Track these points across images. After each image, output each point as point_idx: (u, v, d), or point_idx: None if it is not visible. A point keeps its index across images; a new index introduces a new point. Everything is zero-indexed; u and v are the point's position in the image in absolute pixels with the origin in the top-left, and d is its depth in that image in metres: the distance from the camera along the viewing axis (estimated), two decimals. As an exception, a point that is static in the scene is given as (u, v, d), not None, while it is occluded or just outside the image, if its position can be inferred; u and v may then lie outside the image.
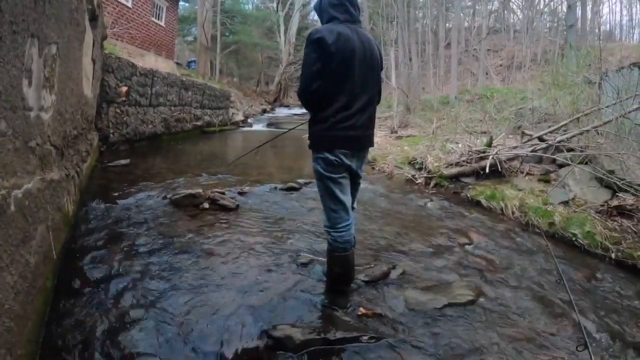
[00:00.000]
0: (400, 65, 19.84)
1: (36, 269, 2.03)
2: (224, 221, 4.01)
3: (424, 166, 7.18)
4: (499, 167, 6.19)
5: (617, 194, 4.79)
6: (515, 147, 6.81)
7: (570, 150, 6.06)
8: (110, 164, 6.05)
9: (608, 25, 36.67)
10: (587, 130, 6.11)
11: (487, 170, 6.07)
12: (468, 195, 5.90)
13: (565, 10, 20.40)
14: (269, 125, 18.54)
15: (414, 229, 4.33)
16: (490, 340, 2.39)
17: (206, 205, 4.32)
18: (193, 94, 11.63)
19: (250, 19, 32.68)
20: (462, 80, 23.32)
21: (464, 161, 6.68)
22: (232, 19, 30.41)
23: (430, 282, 3.08)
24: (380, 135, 11.99)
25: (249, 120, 19.03)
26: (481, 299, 2.87)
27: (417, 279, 3.11)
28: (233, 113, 17.15)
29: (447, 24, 29.67)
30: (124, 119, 7.63)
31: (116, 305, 2.41)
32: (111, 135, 7.23)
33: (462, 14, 28.70)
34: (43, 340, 2.04)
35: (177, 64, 20.58)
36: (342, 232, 2.52)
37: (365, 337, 2.28)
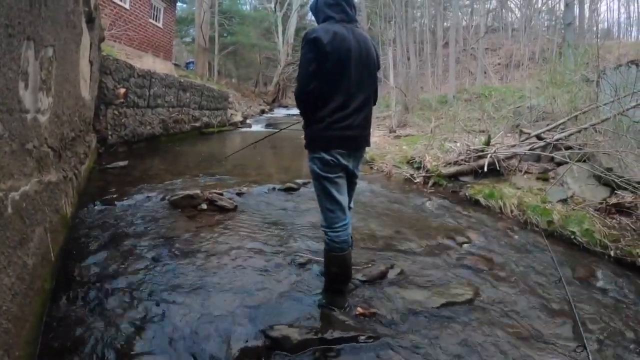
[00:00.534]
0: (398, 64, 19.86)
1: (34, 270, 2.03)
2: (222, 222, 4.01)
3: (422, 165, 7.16)
4: (497, 166, 6.17)
5: (615, 191, 4.76)
6: (513, 146, 6.81)
7: (568, 148, 6.05)
8: (108, 166, 6.06)
9: (606, 23, 36.73)
10: (585, 128, 6.10)
11: (486, 169, 6.05)
12: (466, 194, 5.89)
13: (562, 9, 20.38)
14: (268, 125, 18.53)
15: (412, 228, 4.32)
16: (488, 339, 2.38)
17: (204, 206, 4.32)
18: (191, 95, 11.63)
19: (248, 19, 32.72)
20: (460, 79, 23.32)
21: (462, 160, 6.66)
22: (230, 20, 30.46)
23: (428, 282, 3.07)
24: (378, 135, 12.00)
25: (248, 121, 19.02)
26: (479, 298, 2.87)
27: (415, 278, 3.11)
28: (232, 114, 17.15)
29: (445, 23, 29.68)
30: (122, 120, 7.62)
31: (114, 306, 2.41)
32: (109, 137, 7.23)
33: (460, 13, 28.71)
34: (41, 342, 2.04)
35: (176, 65, 20.59)
36: (339, 232, 2.52)
37: (362, 337, 2.28)
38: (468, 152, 6.72)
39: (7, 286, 1.62)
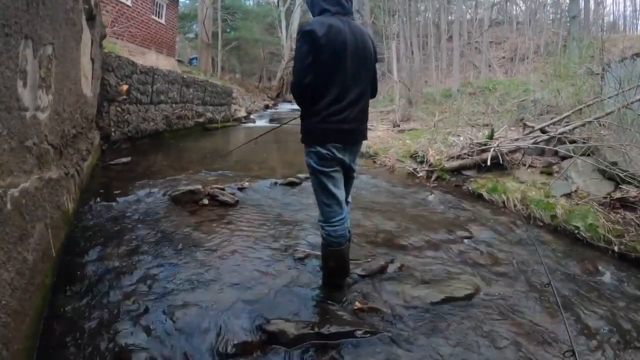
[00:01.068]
0: (402, 58, 19.77)
1: (34, 266, 2.06)
2: (223, 217, 4.03)
3: (425, 159, 7.15)
4: (501, 160, 6.15)
5: (620, 185, 4.75)
6: (517, 140, 6.78)
7: (572, 142, 5.99)
8: (111, 163, 6.08)
9: (612, 16, 36.31)
10: (590, 122, 6.06)
11: (489, 163, 6.03)
12: (469, 188, 5.88)
13: (568, 2, 20.21)
14: (272, 120, 18.51)
15: (414, 222, 4.31)
16: (486, 335, 2.38)
17: (206, 201, 4.34)
18: (194, 91, 11.64)
19: (251, 14, 32.65)
20: (464, 73, 23.20)
21: (465, 154, 6.64)
22: (233, 15, 30.38)
23: (428, 277, 3.05)
24: (382, 129, 11.97)
25: (252, 116, 18.99)
26: (479, 294, 2.85)
27: (415, 273, 3.10)
28: (235, 109, 17.14)
29: (449, 17, 29.49)
30: (125, 117, 7.64)
31: (114, 301, 2.44)
32: (113, 134, 7.25)
33: (464, 7, 28.48)
34: (41, 336, 2.07)
35: (179, 61, 20.60)
36: (335, 226, 2.51)
37: (359, 332, 2.28)
38: (471, 145, 6.69)
39: (6, 281, 1.65)
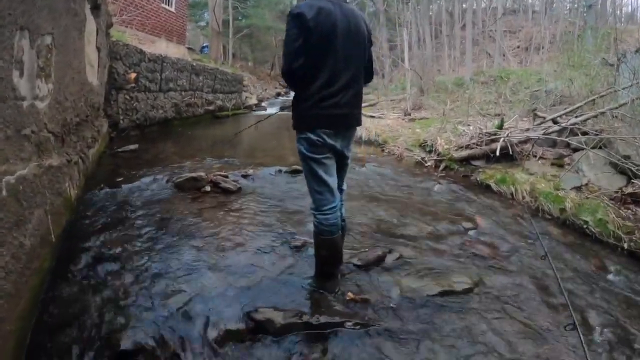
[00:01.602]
0: (414, 46, 19.55)
1: (32, 251, 2.10)
2: (225, 204, 4.05)
3: (434, 149, 7.10)
4: (510, 150, 6.08)
5: (632, 180, 4.63)
6: (527, 130, 6.69)
7: (584, 133, 5.91)
8: (119, 150, 6.14)
9: (630, 7, 35.41)
10: (602, 113, 5.95)
11: (498, 153, 5.97)
12: (478, 179, 5.83)
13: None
14: (282, 108, 18.43)
15: (418, 212, 4.27)
16: (482, 330, 2.34)
17: (208, 188, 4.37)
18: (204, 79, 11.66)
19: (263, 2, 32.38)
20: (477, 61, 22.84)
21: (474, 144, 6.56)
22: (244, 3, 30.21)
23: (427, 268, 3.00)
24: (392, 117, 11.87)
25: (263, 104, 19.00)
26: (479, 288, 2.80)
27: (413, 264, 3.05)
28: (246, 97, 17.14)
29: (462, 5, 29.01)
30: (134, 105, 7.69)
31: (110, 286, 2.47)
32: (121, 122, 7.31)
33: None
34: (37, 318, 2.12)
35: (190, 49, 20.59)
36: (327, 214, 2.47)
37: (350, 323, 2.26)
38: (480, 135, 6.62)
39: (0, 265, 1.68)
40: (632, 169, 4.57)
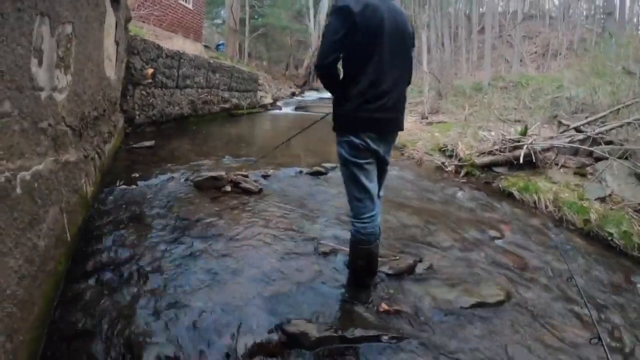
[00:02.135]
0: (432, 49, 19.34)
1: (46, 252, 1.97)
2: (245, 205, 3.91)
3: (454, 154, 6.94)
4: (533, 158, 5.94)
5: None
6: (551, 138, 6.52)
7: (608, 143, 5.77)
8: (135, 146, 6.02)
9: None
10: (629, 123, 5.78)
11: (521, 161, 5.82)
12: (500, 186, 5.70)
13: (602, -2, 19.46)
14: (297, 108, 18.41)
15: (443, 219, 4.16)
16: (519, 346, 2.24)
17: (228, 188, 4.22)
18: (221, 77, 11.57)
19: (279, 1, 32.42)
20: (495, 66, 22.61)
21: (497, 150, 6.40)
22: (261, 2, 30.25)
23: (457, 278, 2.91)
24: (410, 121, 11.73)
25: (278, 103, 18.90)
26: (511, 300, 2.72)
27: (444, 274, 2.96)
28: (261, 96, 17.04)
29: (480, 8, 28.76)
30: (150, 100, 7.60)
31: (129, 290, 2.33)
32: (137, 117, 7.21)
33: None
34: (52, 325, 1.98)
35: (206, 46, 20.59)
36: (366, 223, 2.35)
37: (385, 337, 2.14)
38: (503, 141, 6.47)
39: (12, 269, 1.55)
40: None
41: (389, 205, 4.28)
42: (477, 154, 6.60)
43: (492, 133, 7.27)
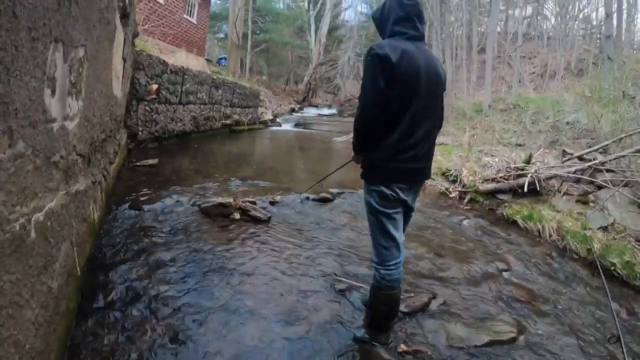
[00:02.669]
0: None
1: (59, 292, 1.87)
2: (256, 235, 3.85)
3: (458, 179, 6.92)
4: (537, 186, 5.90)
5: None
6: (554, 167, 6.50)
7: (609, 171, 5.79)
8: (138, 164, 5.94)
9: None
10: (634, 154, 5.79)
11: (526, 189, 5.80)
12: (504, 214, 5.68)
13: (600, 19, 19.67)
14: (297, 125, 18.46)
15: (451, 250, 4.14)
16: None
17: (237, 215, 4.15)
18: (223, 93, 11.57)
19: (281, 17, 32.71)
20: (494, 86, 22.73)
21: (501, 177, 6.39)
22: (264, 17, 30.48)
23: (470, 315, 2.91)
24: (411, 143, 11.68)
25: (278, 120, 18.94)
26: (523, 336, 2.72)
27: (457, 310, 2.97)
28: (262, 112, 17.06)
29: (479, 29, 29.00)
30: (154, 116, 7.56)
31: (142, 330, 2.25)
32: (140, 133, 7.16)
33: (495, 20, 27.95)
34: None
35: (208, 60, 20.65)
36: (391, 270, 2.30)
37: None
38: (508, 169, 6.44)
39: (30, 321, 1.45)
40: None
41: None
42: (481, 180, 6.56)
43: (496, 159, 7.25)
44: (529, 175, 5.94)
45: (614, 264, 4.04)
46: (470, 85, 22.40)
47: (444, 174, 7.44)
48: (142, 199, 4.36)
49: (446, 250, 4.13)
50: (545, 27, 34.21)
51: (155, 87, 7.26)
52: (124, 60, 4.97)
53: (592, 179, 5.79)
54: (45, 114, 1.72)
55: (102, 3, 3.04)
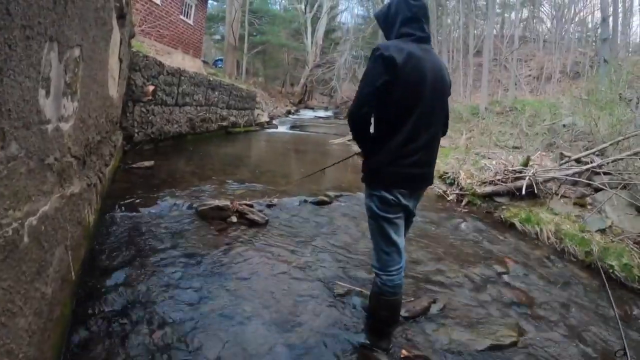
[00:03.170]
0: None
1: (53, 298, 1.82)
2: (253, 238, 3.82)
3: (456, 182, 6.94)
4: (535, 189, 5.92)
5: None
6: (551, 170, 6.50)
7: (607, 174, 5.82)
8: (133, 165, 5.88)
9: (638, 38, 35.28)
10: (631, 157, 5.81)
11: (524, 192, 5.81)
12: (502, 217, 5.68)
13: (595, 22, 19.79)
14: (293, 127, 18.43)
15: (450, 254, 4.12)
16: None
17: (234, 219, 4.11)
18: (219, 94, 11.53)
19: (278, 19, 32.70)
20: (491, 89, 22.80)
21: (498, 180, 6.40)
22: (260, 19, 30.44)
23: (471, 319, 2.90)
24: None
25: (274, 122, 18.90)
26: (523, 340, 2.72)
27: (457, 314, 2.95)
28: (258, 114, 17.02)
29: (475, 31, 29.08)
30: (150, 118, 7.50)
31: (137, 336, 2.20)
32: (136, 135, 7.09)
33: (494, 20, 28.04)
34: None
35: (204, 62, 20.60)
36: (392, 275, 2.26)
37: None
38: (505, 172, 6.45)
39: (23, 329, 1.41)
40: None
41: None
42: (479, 183, 6.56)
43: (493, 162, 7.28)
44: (527, 178, 5.97)
45: (612, 267, 4.05)
46: (466, 88, 22.46)
47: (441, 177, 7.47)
48: (137, 201, 4.31)
49: (445, 253, 4.10)
50: (541, 30, 34.32)
51: (151, 88, 7.20)
52: (120, 61, 4.93)
53: (590, 182, 5.78)
54: (40, 114, 1.67)
55: (99, 3, 2.99)
